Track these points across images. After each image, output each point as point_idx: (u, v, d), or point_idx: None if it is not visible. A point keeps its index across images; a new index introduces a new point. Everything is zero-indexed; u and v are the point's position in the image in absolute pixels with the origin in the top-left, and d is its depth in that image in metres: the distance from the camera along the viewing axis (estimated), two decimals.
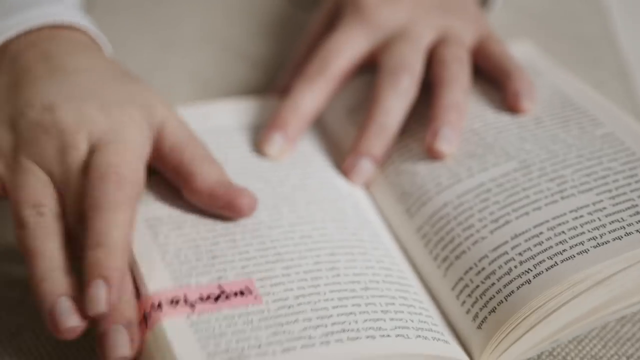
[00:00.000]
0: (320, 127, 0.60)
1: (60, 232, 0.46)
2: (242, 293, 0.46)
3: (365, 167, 0.55)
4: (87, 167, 0.47)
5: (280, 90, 0.62)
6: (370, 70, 0.60)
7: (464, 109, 0.56)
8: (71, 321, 0.43)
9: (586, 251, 0.45)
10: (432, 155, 0.54)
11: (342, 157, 0.57)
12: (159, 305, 0.45)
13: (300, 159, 0.57)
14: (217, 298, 0.45)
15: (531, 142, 0.53)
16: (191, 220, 0.50)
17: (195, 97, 0.65)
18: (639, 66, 0.70)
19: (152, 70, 0.67)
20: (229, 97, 0.63)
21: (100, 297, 0.43)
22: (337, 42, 0.58)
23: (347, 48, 0.58)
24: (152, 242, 0.48)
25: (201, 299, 0.45)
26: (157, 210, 0.50)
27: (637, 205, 0.47)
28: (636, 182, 0.48)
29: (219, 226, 0.50)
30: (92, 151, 0.48)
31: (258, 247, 0.49)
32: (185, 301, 0.45)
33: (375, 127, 0.55)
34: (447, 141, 0.54)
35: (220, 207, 0.50)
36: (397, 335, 0.44)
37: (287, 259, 0.48)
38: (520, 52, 0.62)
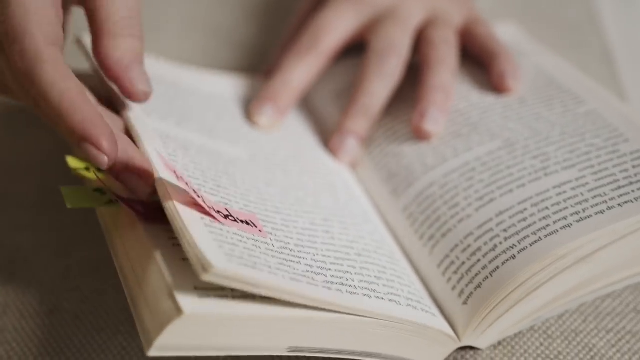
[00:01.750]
0: (309, 110, 0.61)
1: None
2: (247, 223, 0.45)
3: (351, 144, 0.57)
4: None
5: (269, 69, 0.62)
6: (358, 53, 0.60)
7: (451, 90, 0.56)
8: None
9: (569, 226, 0.46)
10: (418, 135, 0.55)
11: (329, 139, 0.58)
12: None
13: (291, 135, 0.57)
14: (226, 217, 0.45)
15: (515, 121, 0.54)
16: (196, 148, 0.50)
17: None
18: (623, 50, 0.70)
19: None
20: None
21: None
22: (327, 19, 0.59)
23: (337, 25, 0.59)
24: (163, 148, 0.48)
25: (212, 209, 0.44)
26: (163, 126, 0.50)
27: (618, 180, 0.47)
28: (618, 157, 0.49)
29: (220, 165, 0.50)
30: None
31: (257, 196, 0.49)
32: (197, 204, 0.44)
33: (359, 108, 0.57)
34: (434, 121, 0.55)
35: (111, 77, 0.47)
36: (390, 300, 0.45)
37: (285, 213, 0.48)
38: (505, 34, 0.62)
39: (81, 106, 0.42)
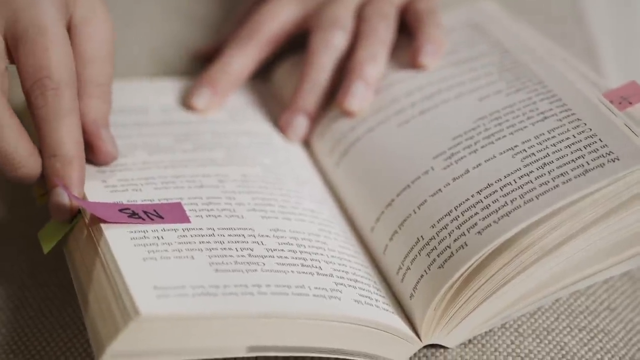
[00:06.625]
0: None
1: None
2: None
3: (300, 123, 0.57)
4: None
5: (207, 57, 0.63)
6: None
7: (380, 61, 0.56)
8: None
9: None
10: (343, 113, 0.55)
11: (281, 108, 0.58)
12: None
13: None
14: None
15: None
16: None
17: (156, 74, 0.64)
18: (606, 43, 0.69)
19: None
20: (190, 75, 0.63)
21: None
22: (269, 8, 0.60)
23: (278, 14, 0.60)
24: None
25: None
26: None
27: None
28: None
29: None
30: None
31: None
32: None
33: (308, 84, 0.57)
34: (359, 98, 0.55)
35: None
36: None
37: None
38: (476, 11, 0.60)
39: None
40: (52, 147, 0.46)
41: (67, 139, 0.45)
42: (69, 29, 0.48)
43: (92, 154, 0.48)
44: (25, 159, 0.46)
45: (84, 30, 0.49)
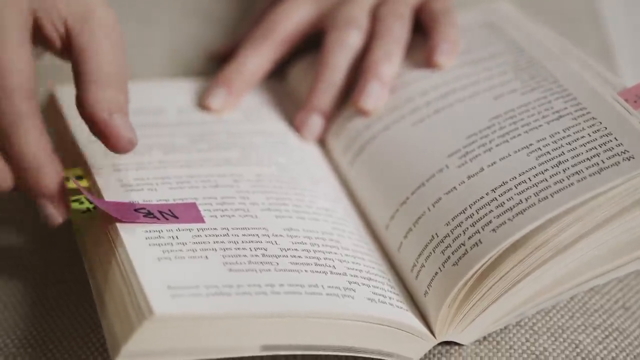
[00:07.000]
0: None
1: None
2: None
3: (315, 122, 0.57)
4: None
5: (224, 57, 0.63)
6: None
7: (395, 60, 0.56)
8: None
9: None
10: (358, 112, 0.56)
11: (297, 107, 0.59)
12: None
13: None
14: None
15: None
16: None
17: (175, 74, 0.65)
18: (622, 43, 0.69)
19: (130, 47, 0.66)
20: (208, 76, 0.63)
21: None
22: (284, 9, 0.60)
23: (293, 14, 0.60)
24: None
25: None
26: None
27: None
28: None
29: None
30: None
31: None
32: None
33: (323, 84, 0.57)
34: (374, 97, 0.55)
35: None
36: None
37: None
38: (491, 11, 0.60)
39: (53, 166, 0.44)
40: (17, 160, 0.44)
41: (26, 148, 0.43)
42: (68, 27, 0.47)
43: (109, 142, 0.46)
44: None
45: (84, 26, 0.47)
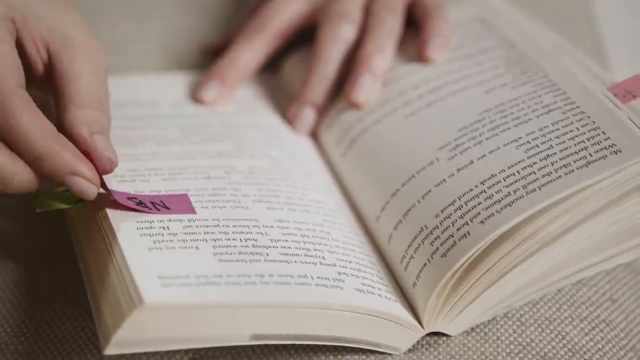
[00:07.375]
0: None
1: None
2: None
3: (307, 115, 0.57)
4: None
5: (217, 51, 0.63)
6: None
7: (387, 54, 0.57)
8: None
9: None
10: (350, 105, 0.56)
11: (290, 100, 0.59)
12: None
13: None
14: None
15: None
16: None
17: (169, 68, 0.65)
18: (615, 41, 0.70)
19: (124, 40, 0.67)
20: (202, 69, 0.64)
21: None
22: (278, 3, 0.60)
23: (287, 8, 0.60)
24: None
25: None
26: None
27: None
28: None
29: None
30: None
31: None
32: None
33: (316, 77, 0.58)
34: (366, 90, 0.56)
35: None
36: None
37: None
38: (483, 6, 0.61)
39: (65, 143, 0.44)
40: (28, 153, 0.44)
41: (32, 138, 0.44)
42: (50, 54, 0.47)
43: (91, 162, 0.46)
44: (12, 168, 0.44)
45: (64, 53, 0.47)
